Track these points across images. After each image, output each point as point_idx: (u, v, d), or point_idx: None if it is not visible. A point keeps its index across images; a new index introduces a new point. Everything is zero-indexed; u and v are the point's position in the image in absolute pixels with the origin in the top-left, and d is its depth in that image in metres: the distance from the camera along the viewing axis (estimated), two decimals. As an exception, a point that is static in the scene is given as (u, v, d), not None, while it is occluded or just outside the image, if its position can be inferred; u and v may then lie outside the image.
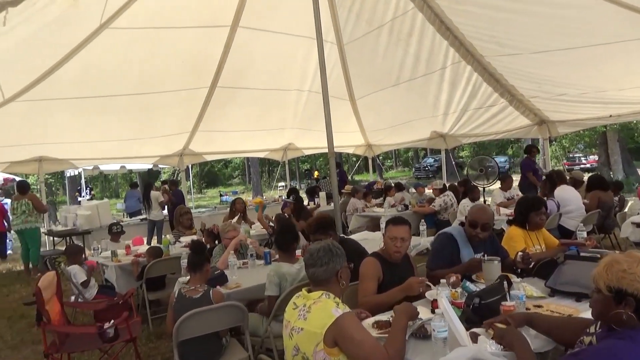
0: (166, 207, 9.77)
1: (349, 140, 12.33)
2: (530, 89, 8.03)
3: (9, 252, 10.91)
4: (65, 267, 4.85)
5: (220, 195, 19.61)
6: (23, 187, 8.42)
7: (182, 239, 5.78)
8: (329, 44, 8.13)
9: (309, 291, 2.18)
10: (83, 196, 13.85)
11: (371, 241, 5.10)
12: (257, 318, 3.38)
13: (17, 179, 20.62)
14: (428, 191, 9.78)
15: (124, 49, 6.66)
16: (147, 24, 6.33)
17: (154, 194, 9.64)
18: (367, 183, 14.04)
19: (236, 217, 6.63)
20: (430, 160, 29.87)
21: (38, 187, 10.22)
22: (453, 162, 15.60)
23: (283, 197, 10.78)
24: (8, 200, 10.74)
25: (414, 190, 9.88)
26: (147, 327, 4.81)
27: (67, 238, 8.63)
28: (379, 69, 8.86)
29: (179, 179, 12.19)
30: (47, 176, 10.78)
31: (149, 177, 22.39)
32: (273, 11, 7.13)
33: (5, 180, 18.59)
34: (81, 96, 7.24)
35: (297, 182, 14.42)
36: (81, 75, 6.76)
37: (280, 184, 21.96)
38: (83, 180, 14.33)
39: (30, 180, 14.62)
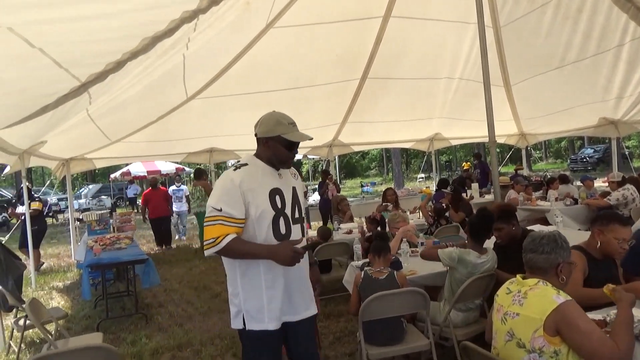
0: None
1: (500, 129, 11.55)
2: None
3: (182, 238, 11.48)
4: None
5: (362, 186, 20.00)
6: (197, 174, 9.54)
7: (342, 225, 6.02)
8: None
9: (524, 278, 2.12)
10: None
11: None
12: (435, 306, 3.38)
13: (187, 169, 23.57)
14: (597, 184, 8.80)
15: (285, 46, 7.11)
16: (304, 21, 6.67)
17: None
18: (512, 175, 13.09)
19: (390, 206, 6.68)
20: (589, 150, 26.75)
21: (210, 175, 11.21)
22: (625, 152, 13.79)
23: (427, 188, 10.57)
24: (174, 187, 11.52)
25: (579, 183, 8.96)
26: (314, 307, 5.13)
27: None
28: (540, 51, 8.16)
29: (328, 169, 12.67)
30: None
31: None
32: (425, -2, 6.99)
33: (177, 169, 21.37)
34: (246, 92, 7.92)
35: (438, 173, 14.03)
36: (247, 73, 7.39)
37: (419, 176, 21.61)
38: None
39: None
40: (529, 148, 13.48)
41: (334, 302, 5.28)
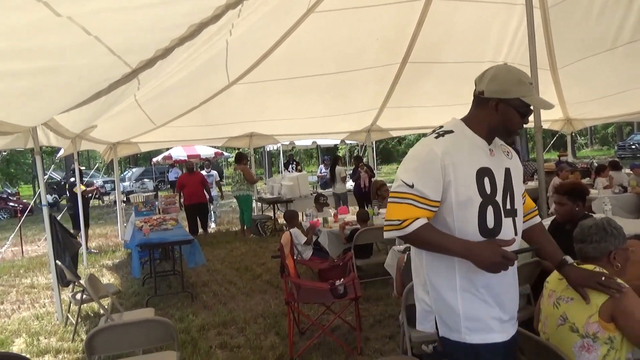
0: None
1: (544, 115, 11.18)
2: None
3: (212, 224, 11.10)
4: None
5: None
6: (238, 158, 9.72)
7: (382, 210, 6.04)
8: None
9: (579, 264, 2.10)
10: (290, 170, 15.14)
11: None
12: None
13: (225, 153, 24.02)
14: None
15: (326, 31, 7.09)
16: (345, 5, 6.62)
17: (338, 169, 10.21)
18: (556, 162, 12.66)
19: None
20: (639, 137, 25.53)
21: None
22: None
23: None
24: (204, 173, 11.11)
25: (628, 171, 8.61)
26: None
27: (273, 205, 9.76)
28: (591, 32, 7.81)
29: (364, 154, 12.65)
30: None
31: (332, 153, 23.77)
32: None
33: (215, 154, 21.81)
34: (286, 77, 7.98)
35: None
36: (288, 58, 7.43)
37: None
38: (281, 155, 15.92)
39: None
40: (574, 134, 12.99)
41: (374, 286, 5.34)
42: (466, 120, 1.91)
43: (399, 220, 1.76)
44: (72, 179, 8.68)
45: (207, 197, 10.12)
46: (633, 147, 24.83)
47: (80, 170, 9.44)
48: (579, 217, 3.30)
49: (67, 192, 8.43)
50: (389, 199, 1.84)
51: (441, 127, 1.91)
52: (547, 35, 8.39)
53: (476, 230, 1.78)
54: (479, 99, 1.88)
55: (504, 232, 1.82)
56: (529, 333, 2.11)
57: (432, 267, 1.83)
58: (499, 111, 1.82)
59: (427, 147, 1.81)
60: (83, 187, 8.69)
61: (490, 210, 1.80)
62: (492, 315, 1.80)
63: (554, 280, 2.17)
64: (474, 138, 1.86)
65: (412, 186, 1.75)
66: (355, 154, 17.31)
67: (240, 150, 10.87)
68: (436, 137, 1.83)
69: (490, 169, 1.83)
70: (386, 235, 1.84)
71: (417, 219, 1.74)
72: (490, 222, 1.79)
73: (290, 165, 15.95)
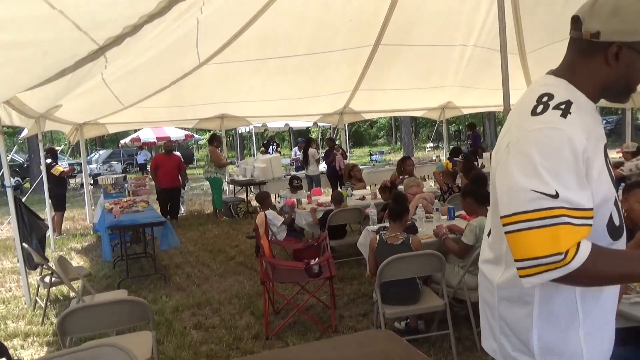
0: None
1: (513, 99, 11.47)
2: None
3: (181, 209, 10.42)
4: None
5: (370, 155, 20.04)
6: (210, 139, 9.56)
7: (355, 192, 6.10)
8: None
9: None
10: (271, 151, 14.87)
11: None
12: (450, 268, 3.48)
13: (196, 135, 23.63)
14: (614, 154, 8.78)
15: (299, 11, 7.01)
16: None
17: (311, 151, 10.22)
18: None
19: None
20: (602, 121, 26.44)
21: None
22: (638, 122, 13.66)
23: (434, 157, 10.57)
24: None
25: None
26: (328, 270, 5.28)
27: (246, 187, 9.72)
28: (559, 17, 7.99)
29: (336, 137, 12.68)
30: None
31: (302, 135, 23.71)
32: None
33: (186, 136, 21.45)
34: (258, 58, 7.87)
35: (447, 143, 14.03)
36: (260, 39, 7.32)
37: (428, 145, 21.54)
38: (253, 137, 15.80)
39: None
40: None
41: (347, 266, 5.42)
42: (569, 77, 1.35)
43: (553, 254, 1.14)
44: (48, 160, 8.40)
45: (181, 182, 9.60)
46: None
47: (54, 151, 9.15)
48: None
49: (46, 175, 8.12)
50: (511, 227, 1.19)
51: (548, 95, 1.28)
52: (516, 19, 8.53)
53: (605, 232, 1.29)
54: (590, 44, 1.28)
55: (623, 227, 1.35)
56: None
57: (545, 301, 1.29)
58: (621, 61, 1.24)
59: (559, 134, 1.18)
60: (60, 169, 8.42)
61: (613, 202, 1.31)
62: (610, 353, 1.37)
63: None
64: (587, 105, 1.30)
65: (556, 196, 1.15)
66: (327, 136, 17.33)
67: (214, 131, 10.63)
68: (563, 115, 1.21)
69: (606, 143, 1.34)
70: (532, 281, 1.18)
71: (580, 243, 1.15)
72: (616, 218, 1.32)
73: (271, 147, 15.83)
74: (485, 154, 9.67)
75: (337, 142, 11.05)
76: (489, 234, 1.49)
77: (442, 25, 8.29)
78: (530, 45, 9.15)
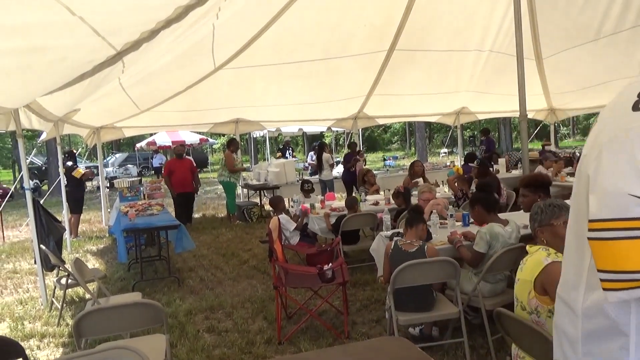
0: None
1: (529, 104, 11.33)
2: None
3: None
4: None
5: (384, 160, 19.98)
6: (227, 143, 9.59)
7: (369, 197, 6.08)
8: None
9: (531, 246, 2.22)
10: (287, 156, 14.88)
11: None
12: (463, 275, 3.44)
13: (210, 139, 23.83)
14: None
15: (314, 16, 7.04)
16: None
17: (325, 155, 10.21)
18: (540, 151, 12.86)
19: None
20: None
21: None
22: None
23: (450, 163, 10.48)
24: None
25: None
26: (341, 276, 5.27)
27: (260, 191, 9.75)
28: (575, 22, 7.91)
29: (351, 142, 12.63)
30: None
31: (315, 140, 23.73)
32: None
33: (200, 140, 21.63)
34: (273, 63, 7.92)
35: (462, 148, 13.94)
36: (275, 44, 7.37)
37: (442, 150, 21.38)
38: (267, 141, 15.87)
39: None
40: (557, 124, 13.20)
41: (360, 271, 5.39)
42: None
43: None
44: (69, 163, 8.53)
45: (194, 186, 9.47)
46: (613, 137, 25.24)
47: (73, 154, 9.28)
48: None
49: (65, 177, 8.25)
50: (599, 234, 1.07)
51: None
52: (532, 24, 8.46)
53: None
54: None
55: None
56: (511, 313, 2.18)
57: None
58: None
59: None
60: (81, 171, 8.54)
61: None
62: None
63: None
64: None
65: None
66: (344, 141, 17.31)
67: (231, 136, 10.64)
68: None
69: None
70: (619, 296, 1.05)
71: None
72: None
73: (288, 152, 15.85)
74: (501, 160, 9.56)
75: (360, 149, 11.03)
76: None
77: (457, 30, 8.26)
78: (547, 51, 9.06)
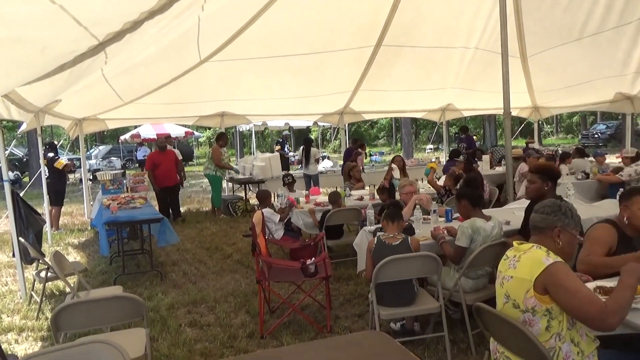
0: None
1: (513, 102, 11.43)
2: None
3: None
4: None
5: (370, 155, 20.04)
6: (217, 137, 9.49)
7: (353, 192, 6.10)
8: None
9: (520, 244, 2.21)
10: (285, 150, 14.64)
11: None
12: (445, 271, 3.48)
13: (196, 133, 23.62)
14: (607, 160, 8.78)
15: (300, 10, 7.00)
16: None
17: (313, 150, 10.21)
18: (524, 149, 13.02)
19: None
20: (602, 126, 26.38)
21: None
22: (638, 128, 13.66)
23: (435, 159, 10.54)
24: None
25: (592, 158, 8.94)
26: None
27: (245, 185, 9.71)
28: (559, 22, 8.00)
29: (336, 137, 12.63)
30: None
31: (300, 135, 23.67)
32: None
33: (186, 133, 21.43)
34: (259, 57, 7.86)
35: (447, 144, 14.06)
36: (261, 38, 7.31)
37: (428, 147, 21.52)
38: (253, 135, 15.80)
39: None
40: (540, 122, 13.37)
41: (344, 266, 5.41)
42: None
43: None
44: (50, 154, 8.37)
45: (179, 178, 9.28)
46: (596, 136, 25.71)
47: (54, 145, 9.11)
48: (547, 197, 3.44)
49: (47, 168, 8.10)
50: None
51: None
52: (518, 23, 8.54)
53: None
54: None
55: None
56: (490, 308, 2.20)
57: None
58: None
59: None
60: (63, 162, 8.39)
61: None
62: None
63: (501, 261, 2.28)
64: None
65: None
66: (330, 136, 17.28)
67: (217, 129, 10.47)
68: None
69: None
70: None
71: None
72: None
73: (286, 145, 15.71)
74: (485, 156, 9.65)
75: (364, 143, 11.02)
76: None
77: (444, 27, 8.29)
78: (531, 49, 9.15)
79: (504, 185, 6.83)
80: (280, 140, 16.91)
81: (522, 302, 2.05)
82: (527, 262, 2.09)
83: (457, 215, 4.27)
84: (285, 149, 14.92)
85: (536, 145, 12.06)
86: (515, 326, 2.00)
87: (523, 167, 8.03)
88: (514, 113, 12.46)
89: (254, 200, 10.44)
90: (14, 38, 2.93)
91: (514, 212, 4.59)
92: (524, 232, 3.43)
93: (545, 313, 1.99)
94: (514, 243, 2.27)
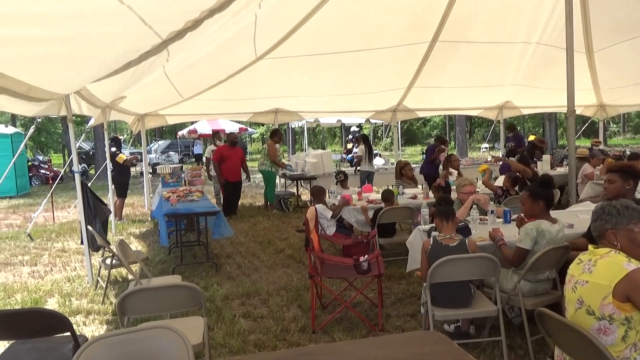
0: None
1: (577, 100, 10.93)
2: None
3: None
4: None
5: (422, 153, 19.72)
6: (271, 133, 9.67)
7: (407, 190, 6.02)
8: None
9: (596, 247, 2.10)
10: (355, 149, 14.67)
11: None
12: (503, 273, 3.36)
13: (249, 129, 24.13)
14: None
15: (355, 7, 6.97)
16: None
17: (361, 147, 10.12)
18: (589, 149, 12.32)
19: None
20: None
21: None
22: None
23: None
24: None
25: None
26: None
27: (297, 181, 9.82)
28: (629, 14, 7.52)
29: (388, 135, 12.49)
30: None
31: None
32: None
33: (240, 129, 21.93)
34: (313, 53, 7.90)
35: (502, 144, 13.56)
36: (316, 34, 7.34)
37: (483, 145, 20.87)
38: (305, 132, 15.95)
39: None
40: (606, 121, 12.62)
41: (396, 265, 5.36)
42: None
43: None
44: (112, 149, 8.84)
45: (245, 175, 9.46)
46: (668, 136, 23.98)
47: (118, 140, 9.59)
48: (627, 197, 3.26)
49: (111, 162, 8.57)
50: None
51: None
52: (584, 16, 8.10)
53: None
54: None
55: None
56: (555, 314, 2.10)
57: None
58: None
59: None
60: (123, 157, 8.83)
61: None
62: None
63: (573, 265, 2.18)
64: None
65: None
66: (437, 134, 17.04)
67: (271, 126, 10.62)
68: None
69: None
70: None
71: None
72: None
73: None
74: (545, 157, 9.22)
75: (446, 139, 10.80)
76: None
77: (503, 21, 8.00)
78: (598, 44, 8.66)
79: (565, 187, 6.51)
80: (352, 137, 16.82)
81: (597, 309, 1.95)
82: (605, 266, 1.99)
83: (515, 216, 4.12)
84: (355, 148, 14.86)
85: (602, 147, 11.41)
86: (583, 335, 1.90)
87: (587, 168, 7.63)
88: (577, 111, 11.86)
89: (305, 197, 10.57)
90: (85, 35, 3.09)
91: (577, 215, 4.39)
92: (590, 236, 3.25)
93: (623, 322, 1.88)
94: (590, 246, 2.17)
